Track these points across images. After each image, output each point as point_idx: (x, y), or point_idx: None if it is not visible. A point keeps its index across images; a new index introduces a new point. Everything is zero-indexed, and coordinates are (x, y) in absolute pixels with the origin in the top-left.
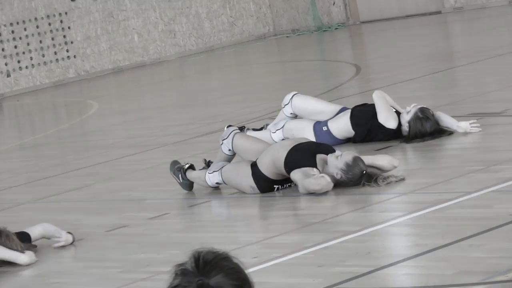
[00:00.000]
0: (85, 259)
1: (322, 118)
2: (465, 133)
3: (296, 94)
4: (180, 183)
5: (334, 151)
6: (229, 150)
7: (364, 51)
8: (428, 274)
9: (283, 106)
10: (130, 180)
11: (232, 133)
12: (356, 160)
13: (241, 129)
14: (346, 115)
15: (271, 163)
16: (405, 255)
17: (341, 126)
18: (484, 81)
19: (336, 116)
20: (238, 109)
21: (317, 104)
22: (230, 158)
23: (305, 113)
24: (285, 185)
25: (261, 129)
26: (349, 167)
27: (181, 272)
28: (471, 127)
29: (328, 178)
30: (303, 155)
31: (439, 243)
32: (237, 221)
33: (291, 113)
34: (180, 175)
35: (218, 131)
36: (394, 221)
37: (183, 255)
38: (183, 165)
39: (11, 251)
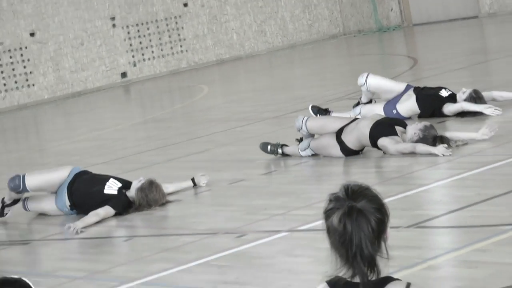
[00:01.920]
0: (214, 204)
1: (391, 95)
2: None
3: (368, 75)
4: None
5: (406, 124)
6: (307, 132)
7: (417, 47)
8: (489, 216)
9: (360, 86)
10: (242, 145)
11: (303, 122)
12: (432, 125)
13: (326, 111)
14: (412, 98)
15: (356, 139)
16: (470, 202)
17: (409, 107)
18: None
19: (402, 99)
20: (321, 91)
21: (388, 82)
22: (312, 135)
23: (379, 90)
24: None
25: (357, 103)
26: (426, 127)
27: (334, 198)
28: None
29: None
30: (384, 127)
31: (497, 192)
32: (331, 176)
33: (368, 90)
34: (277, 151)
35: (307, 108)
36: (458, 176)
37: (292, 202)
38: (277, 146)
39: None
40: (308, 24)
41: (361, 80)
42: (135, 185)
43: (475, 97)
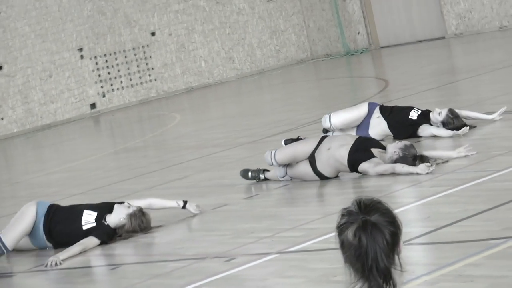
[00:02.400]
0: (201, 229)
1: (359, 122)
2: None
3: (330, 116)
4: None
5: (382, 145)
6: (280, 165)
7: (385, 69)
8: (478, 231)
9: (327, 127)
10: (221, 171)
11: (272, 156)
12: (412, 145)
13: (298, 139)
14: (383, 123)
15: (335, 169)
16: (458, 218)
17: (381, 132)
18: (482, 90)
19: (372, 124)
20: (294, 116)
21: (350, 113)
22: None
23: (346, 126)
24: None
25: (326, 131)
26: (406, 147)
27: (347, 213)
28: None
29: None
30: (361, 153)
31: (483, 208)
32: (315, 197)
33: (335, 130)
34: (259, 177)
35: (282, 132)
36: (443, 193)
37: (278, 224)
38: (258, 171)
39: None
40: (276, 50)
41: (325, 123)
42: (124, 211)
43: (452, 117)
